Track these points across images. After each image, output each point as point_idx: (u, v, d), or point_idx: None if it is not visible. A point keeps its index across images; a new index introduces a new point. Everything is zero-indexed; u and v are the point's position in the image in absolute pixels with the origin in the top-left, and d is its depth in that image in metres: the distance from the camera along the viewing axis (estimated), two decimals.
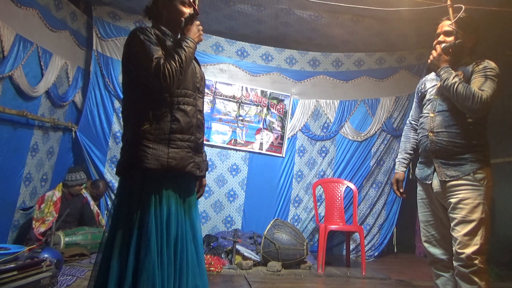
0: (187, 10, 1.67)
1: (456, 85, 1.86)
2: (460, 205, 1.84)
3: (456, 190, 1.87)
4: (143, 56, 1.48)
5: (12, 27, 3.22)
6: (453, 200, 1.87)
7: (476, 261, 1.77)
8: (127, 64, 1.56)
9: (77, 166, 4.13)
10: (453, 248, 1.85)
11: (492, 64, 1.91)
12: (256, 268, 3.65)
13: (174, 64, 1.47)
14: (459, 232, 1.82)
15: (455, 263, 1.85)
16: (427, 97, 2.10)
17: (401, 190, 2.24)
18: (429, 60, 2.04)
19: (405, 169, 2.23)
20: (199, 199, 1.69)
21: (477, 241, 1.78)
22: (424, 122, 2.06)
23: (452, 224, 1.87)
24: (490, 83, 1.85)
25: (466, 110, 1.86)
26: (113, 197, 4.33)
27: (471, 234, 1.80)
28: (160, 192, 1.51)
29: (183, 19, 1.65)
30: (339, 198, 4.25)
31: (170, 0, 1.65)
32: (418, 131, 2.13)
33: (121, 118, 1.64)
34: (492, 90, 1.83)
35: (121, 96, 4.38)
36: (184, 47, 1.54)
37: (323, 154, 4.85)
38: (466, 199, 1.83)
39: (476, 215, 1.80)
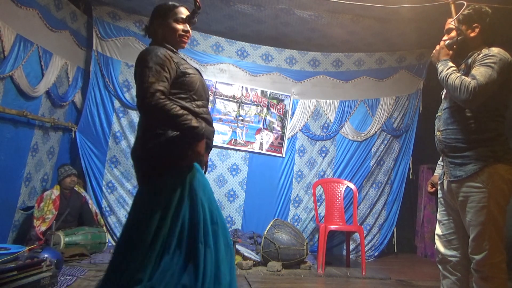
0: (181, 27, 1.74)
1: (447, 76, 1.80)
2: (466, 209, 1.80)
3: (460, 192, 1.82)
4: (145, 78, 1.52)
5: (12, 27, 3.22)
6: (459, 203, 1.84)
7: (485, 268, 1.71)
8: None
9: (64, 163, 4.11)
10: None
11: (493, 51, 1.76)
12: (256, 268, 3.65)
13: (166, 108, 1.49)
14: (470, 236, 1.78)
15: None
16: (442, 96, 2.06)
17: (431, 190, 2.17)
18: (431, 55, 2.00)
19: (440, 171, 2.10)
20: None
21: (485, 246, 1.72)
22: (436, 123, 2.04)
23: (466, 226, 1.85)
24: (485, 70, 1.70)
25: (458, 101, 1.78)
26: (110, 196, 4.32)
27: (477, 239, 1.74)
28: (193, 185, 1.60)
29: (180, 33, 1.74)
30: (339, 198, 4.25)
31: (164, 19, 1.74)
32: None
33: (140, 124, 1.69)
34: (485, 77, 1.68)
35: (121, 95, 4.41)
36: (182, 122, 1.52)
37: (323, 154, 4.85)
38: (470, 202, 1.78)
39: (480, 219, 1.73)
